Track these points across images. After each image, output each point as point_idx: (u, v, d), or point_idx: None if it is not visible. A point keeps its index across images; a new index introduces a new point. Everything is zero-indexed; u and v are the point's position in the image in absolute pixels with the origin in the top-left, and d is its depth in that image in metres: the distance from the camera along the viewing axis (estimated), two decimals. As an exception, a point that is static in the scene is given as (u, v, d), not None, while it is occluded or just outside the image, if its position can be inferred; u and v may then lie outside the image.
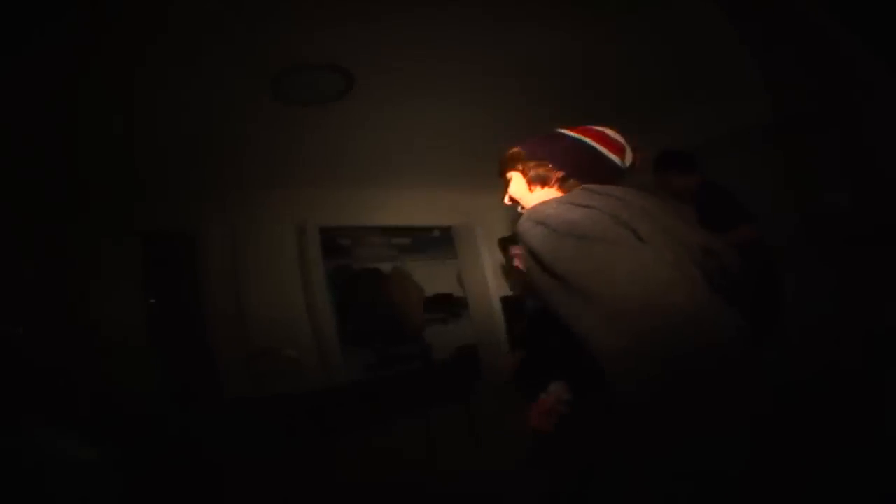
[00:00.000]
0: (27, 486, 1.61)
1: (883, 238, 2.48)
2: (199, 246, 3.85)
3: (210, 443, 2.91)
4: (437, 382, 4.39)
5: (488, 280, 5.26)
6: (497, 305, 5.18)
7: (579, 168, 1.26)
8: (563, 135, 1.31)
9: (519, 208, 1.34)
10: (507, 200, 1.40)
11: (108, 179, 3.26)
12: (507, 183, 1.38)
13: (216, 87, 2.47)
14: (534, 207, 1.14)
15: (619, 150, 1.28)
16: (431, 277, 5.24)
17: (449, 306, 5.36)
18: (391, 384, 4.29)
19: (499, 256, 5.42)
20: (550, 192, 1.27)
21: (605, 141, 1.28)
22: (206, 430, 3.00)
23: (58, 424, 1.90)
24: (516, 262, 2.45)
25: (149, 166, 3.23)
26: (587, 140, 1.27)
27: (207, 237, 3.86)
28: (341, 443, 3.35)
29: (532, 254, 1.07)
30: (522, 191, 1.33)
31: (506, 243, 2.71)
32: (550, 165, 1.28)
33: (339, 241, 4.78)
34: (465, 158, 4.13)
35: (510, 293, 3.19)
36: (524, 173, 1.32)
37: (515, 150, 1.36)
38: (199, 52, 2.19)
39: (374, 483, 2.77)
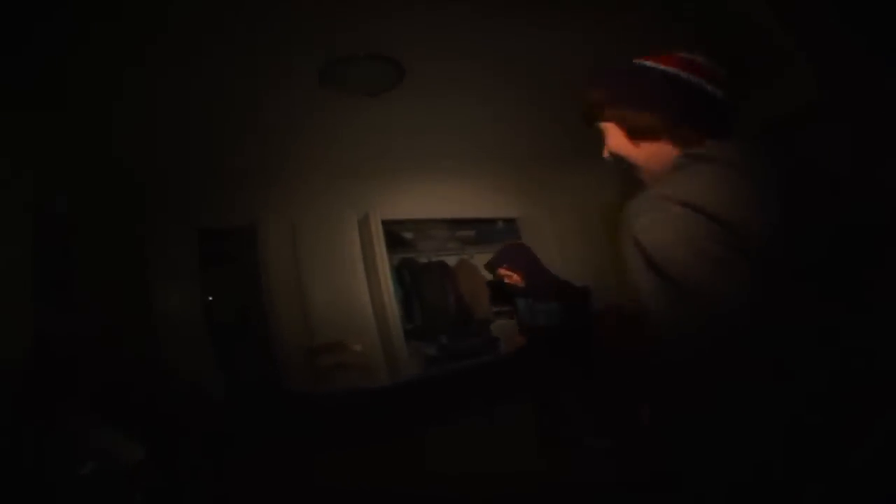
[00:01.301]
0: (65, 484, 1.65)
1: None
2: (259, 241, 3.84)
3: (273, 440, 2.94)
4: (505, 376, 4.27)
5: (556, 272, 5.06)
6: (566, 298, 4.97)
7: (683, 111, 0.96)
8: (648, 67, 1.00)
9: (624, 165, 1.05)
10: (606, 155, 1.08)
11: (164, 176, 3.35)
12: (601, 133, 1.07)
13: (271, 80, 2.48)
14: (640, 204, 0.88)
15: (718, 80, 0.97)
16: (497, 270, 5.11)
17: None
18: (457, 379, 4.22)
19: (570, 248, 5.22)
20: (662, 148, 0.97)
21: (700, 69, 0.97)
22: (268, 428, 3.04)
23: (110, 423, 1.96)
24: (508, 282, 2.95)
25: (205, 161, 3.30)
26: (680, 72, 0.97)
27: (266, 232, 3.86)
28: (404, 439, 3.31)
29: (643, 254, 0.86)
30: (624, 145, 1.02)
31: (492, 267, 3.10)
32: (648, 112, 0.97)
33: (403, 234, 4.76)
34: (528, 149, 3.98)
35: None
36: (620, 123, 1.02)
37: (596, 93, 1.05)
38: (254, 44, 2.19)
39: (433, 485, 2.69)
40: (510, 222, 5.31)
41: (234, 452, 2.82)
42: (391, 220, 4.47)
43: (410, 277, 4.68)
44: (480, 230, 5.20)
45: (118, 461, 1.79)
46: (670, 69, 0.98)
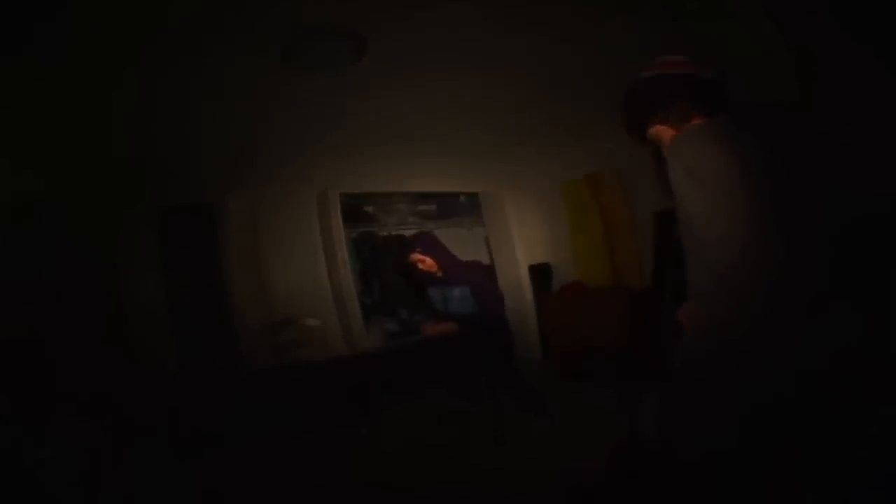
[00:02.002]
0: (29, 473, 1.59)
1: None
2: (219, 219, 3.80)
3: (232, 417, 2.89)
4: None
5: (516, 247, 5.10)
6: (525, 272, 5.04)
7: (701, 95, 1.23)
8: (661, 74, 1.27)
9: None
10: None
11: (124, 154, 3.21)
12: (654, 141, 1.29)
13: (227, 56, 2.35)
14: (686, 138, 1.16)
15: (708, 71, 1.26)
16: (458, 244, 5.09)
17: (476, 274, 5.24)
18: (415, 352, 4.22)
19: (532, 224, 5.25)
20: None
21: (692, 65, 1.26)
22: (228, 404, 2.99)
23: (68, 409, 1.89)
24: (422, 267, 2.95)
25: (164, 140, 3.15)
26: (682, 70, 1.25)
27: (226, 208, 3.80)
28: (362, 416, 3.30)
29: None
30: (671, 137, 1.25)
31: (405, 253, 3.13)
32: (690, 105, 1.22)
33: (364, 208, 4.68)
34: (492, 124, 3.93)
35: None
36: (666, 120, 1.25)
37: (644, 103, 1.29)
38: (210, 22, 2.06)
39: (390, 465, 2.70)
40: (472, 197, 5.29)
41: (200, 433, 2.75)
42: (351, 193, 4.39)
43: (369, 251, 4.62)
44: (442, 205, 5.17)
45: (78, 444, 1.74)
46: (676, 71, 1.26)
